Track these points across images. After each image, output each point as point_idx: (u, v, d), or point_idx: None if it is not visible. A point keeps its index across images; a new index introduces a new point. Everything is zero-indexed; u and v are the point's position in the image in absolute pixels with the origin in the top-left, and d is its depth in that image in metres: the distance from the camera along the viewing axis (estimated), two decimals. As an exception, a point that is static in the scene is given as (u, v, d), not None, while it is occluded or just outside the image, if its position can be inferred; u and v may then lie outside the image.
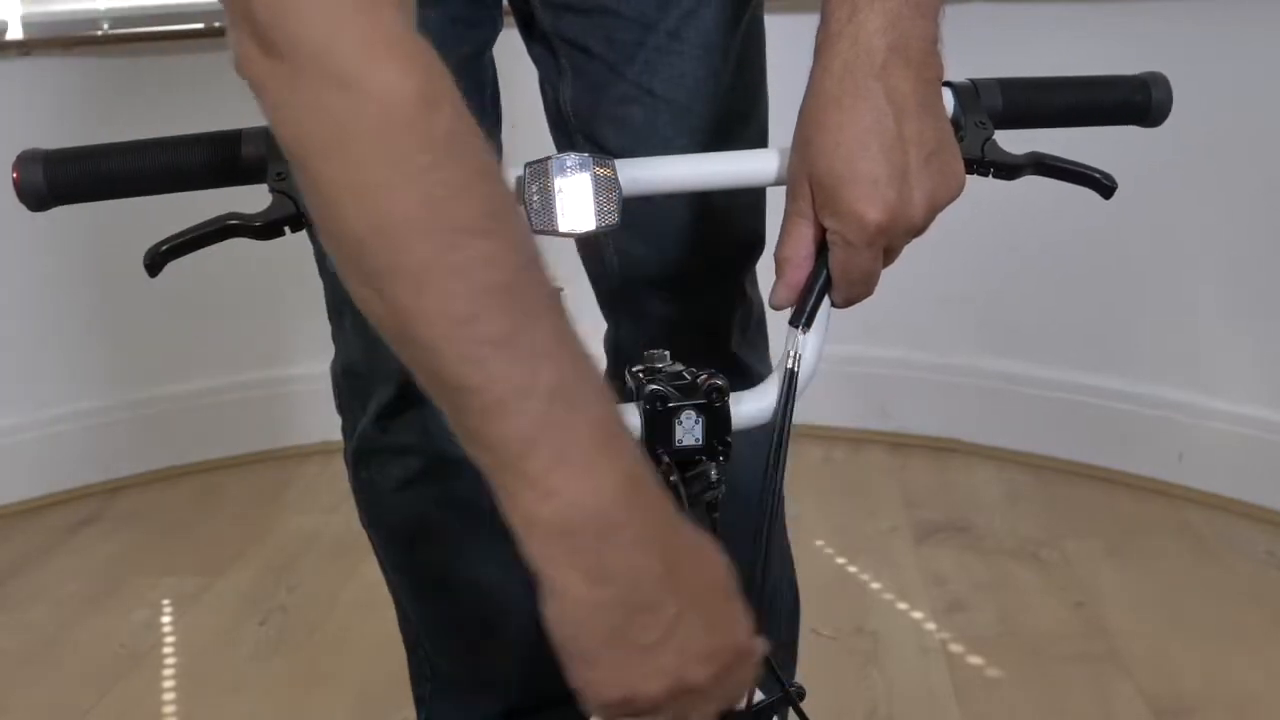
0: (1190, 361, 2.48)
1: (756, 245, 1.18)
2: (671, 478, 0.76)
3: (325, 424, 1.38)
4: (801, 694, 0.83)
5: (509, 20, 1.14)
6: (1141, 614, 2.08)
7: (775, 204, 0.88)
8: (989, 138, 0.82)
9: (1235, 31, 2.32)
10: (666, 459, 0.76)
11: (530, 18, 1.12)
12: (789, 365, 0.80)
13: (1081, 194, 0.88)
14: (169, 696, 1.95)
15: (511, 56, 1.16)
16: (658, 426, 0.76)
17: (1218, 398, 2.45)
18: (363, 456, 1.26)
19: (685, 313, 1.17)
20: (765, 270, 0.90)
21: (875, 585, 2.20)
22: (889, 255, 0.78)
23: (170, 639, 2.12)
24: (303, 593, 2.24)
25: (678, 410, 0.76)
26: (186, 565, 2.36)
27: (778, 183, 0.83)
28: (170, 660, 2.05)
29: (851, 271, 0.78)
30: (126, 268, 1.03)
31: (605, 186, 0.79)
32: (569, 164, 0.79)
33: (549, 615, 0.63)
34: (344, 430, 1.27)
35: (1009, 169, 0.83)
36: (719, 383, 0.77)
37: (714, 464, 0.78)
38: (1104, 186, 0.86)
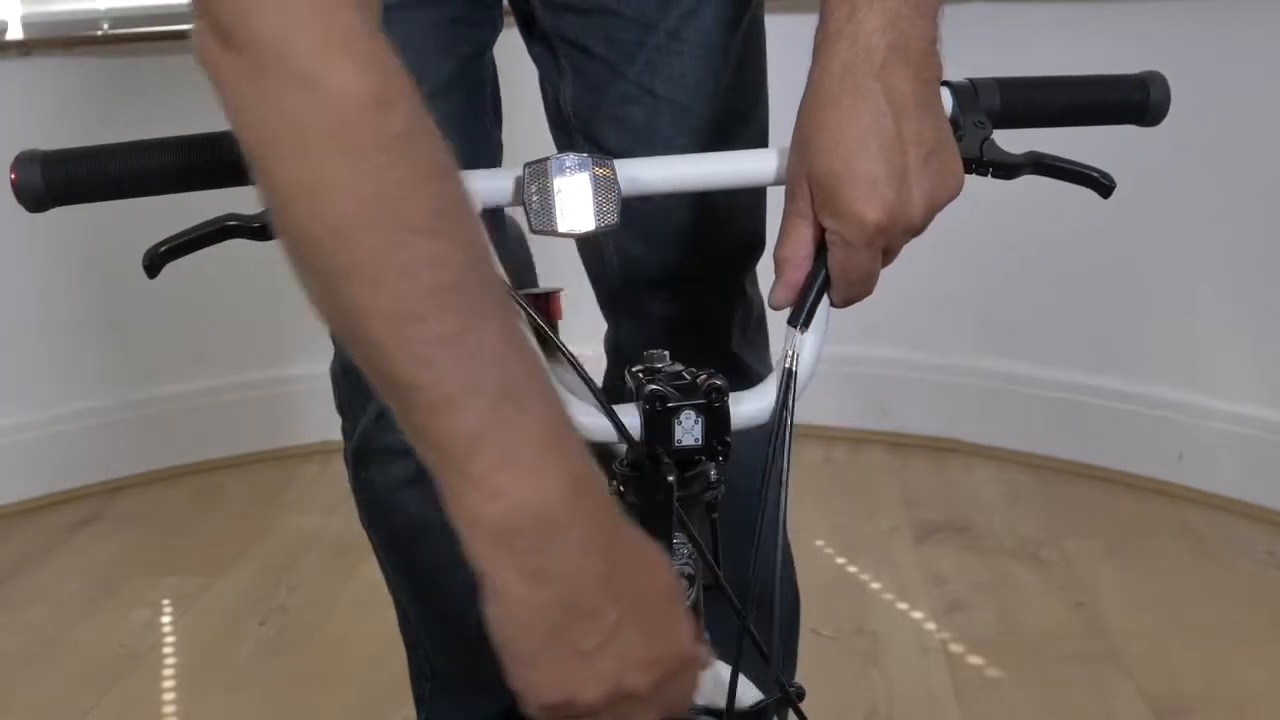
0: (1190, 361, 2.48)
1: (756, 245, 1.18)
2: (670, 477, 0.76)
3: (325, 424, 1.38)
4: (801, 694, 0.83)
5: (509, 20, 1.14)
6: (1141, 614, 2.08)
7: (775, 204, 0.88)
8: (987, 137, 0.82)
9: (1235, 31, 2.32)
10: (667, 459, 0.76)
11: (530, 17, 1.12)
12: (788, 365, 0.80)
13: (1080, 194, 0.88)
14: (169, 696, 1.95)
15: (511, 56, 1.17)
16: (657, 426, 0.76)
17: (1217, 398, 2.44)
18: (363, 456, 1.25)
19: (685, 313, 1.17)
20: (765, 270, 0.90)
21: (875, 585, 2.20)
22: (888, 255, 0.78)
23: (170, 639, 2.12)
24: (303, 593, 2.24)
25: (677, 410, 0.76)
26: (186, 565, 2.36)
27: (777, 183, 0.83)
28: (170, 660, 2.05)
29: (850, 271, 0.78)
30: (126, 268, 1.03)
31: (604, 186, 0.79)
32: (568, 164, 0.79)
33: (490, 616, 0.64)
34: (344, 430, 1.27)
35: (1008, 168, 0.83)
36: (719, 383, 0.77)
37: (714, 464, 0.79)
38: (1103, 186, 0.86)
